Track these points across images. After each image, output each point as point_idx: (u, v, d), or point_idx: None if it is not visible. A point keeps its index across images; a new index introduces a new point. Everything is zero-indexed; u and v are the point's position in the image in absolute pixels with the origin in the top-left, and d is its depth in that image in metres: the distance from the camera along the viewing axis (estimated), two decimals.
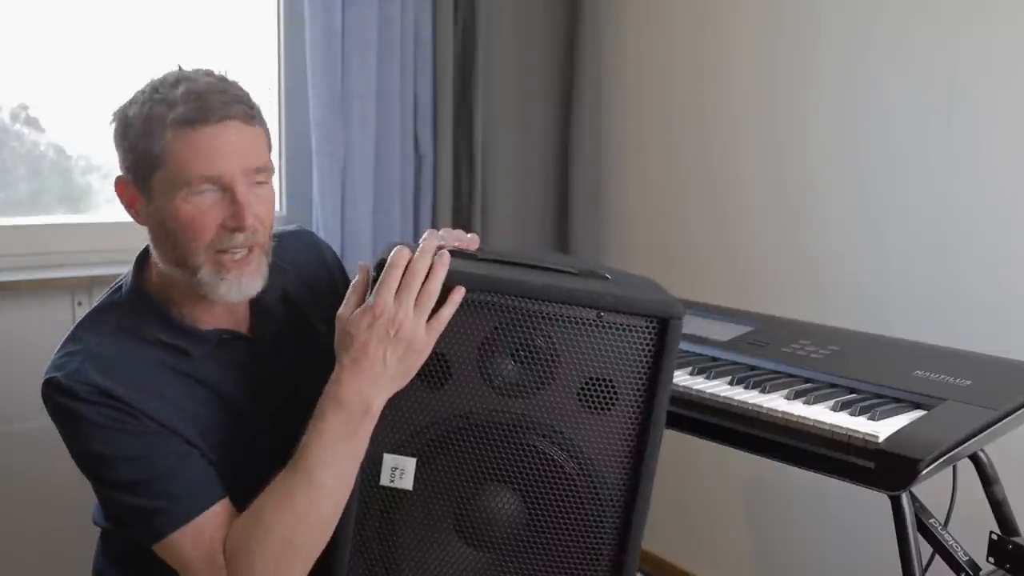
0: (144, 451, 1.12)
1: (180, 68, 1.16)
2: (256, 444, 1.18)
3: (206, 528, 1.10)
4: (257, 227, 1.15)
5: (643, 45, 2.63)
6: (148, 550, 1.16)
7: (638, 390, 1.13)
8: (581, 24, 2.62)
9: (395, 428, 1.11)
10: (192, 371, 1.19)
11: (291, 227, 1.45)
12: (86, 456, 1.13)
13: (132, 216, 1.20)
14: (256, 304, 1.26)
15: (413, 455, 1.12)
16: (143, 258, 1.24)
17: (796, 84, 2.22)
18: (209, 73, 1.16)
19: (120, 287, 1.24)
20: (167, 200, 1.12)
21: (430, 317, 1.07)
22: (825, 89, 2.15)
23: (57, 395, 1.12)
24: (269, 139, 1.21)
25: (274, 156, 1.24)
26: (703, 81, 2.46)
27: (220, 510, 1.12)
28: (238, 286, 1.15)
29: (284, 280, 1.31)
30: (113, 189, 1.20)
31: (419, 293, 1.06)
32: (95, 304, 1.24)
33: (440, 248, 1.13)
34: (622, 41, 2.67)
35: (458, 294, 1.07)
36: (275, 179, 1.24)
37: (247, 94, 1.17)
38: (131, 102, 1.15)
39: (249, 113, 1.14)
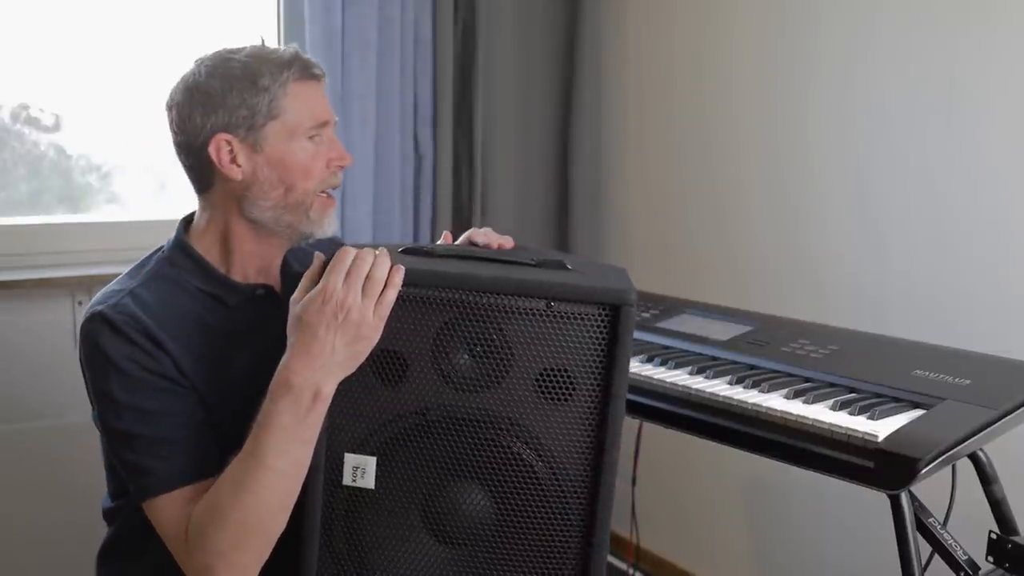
0: (155, 406, 1.16)
1: (263, 39, 1.33)
2: None
3: (186, 501, 1.13)
4: None
5: (643, 45, 2.63)
6: (147, 542, 1.19)
7: (595, 379, 1.12)
8: (581, 24, 2.62)
9: (353, 427, 1.12)
10: (226, 321, 1.26)
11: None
12: (102, 397, 1.18)
13: (227, 173, 1.24)
14: (285, 269, 1.35)
15: (373, 454, 1.12)
16: (188, 220, 1.33)
17: (796, 84, 2.22)
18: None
19: (161, 248, 1.32)
20: (282, 147, 1.24)
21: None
22: (825, 89, 2.15)
23: (97, 329, 1.17)
24: None
25: None
26: (703, 81, 2.46)
27: (204, 487, 1.14)
28: (332, 220, 1.32)
29: (307, 259, 1.36)
30: (210, 153, 1.23)
31: (366, 280, 1.08)
32: (139, 260, 1.31)
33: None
34: (622, 41, 2.67)
35: (398, 275, 1.09)
36: None
37: None
38: (221, 67, 1.23)
39: None
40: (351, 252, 1.10)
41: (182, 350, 1.19)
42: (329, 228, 1.31)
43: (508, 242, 1.38)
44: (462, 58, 2.52)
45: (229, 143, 1.23)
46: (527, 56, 2.63)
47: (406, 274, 1.09)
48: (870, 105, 2.05)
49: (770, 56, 2.28)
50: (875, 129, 2.04)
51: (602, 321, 1.11)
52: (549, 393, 1.12)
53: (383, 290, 1.08)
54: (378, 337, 1.08)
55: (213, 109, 1.22)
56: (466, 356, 1.11)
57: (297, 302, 1.10)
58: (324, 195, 1.30)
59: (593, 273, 1.21)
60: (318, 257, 1.15)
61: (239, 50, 1.25)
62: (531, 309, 1.10)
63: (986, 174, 1.85)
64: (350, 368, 1.09)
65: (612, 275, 1.23)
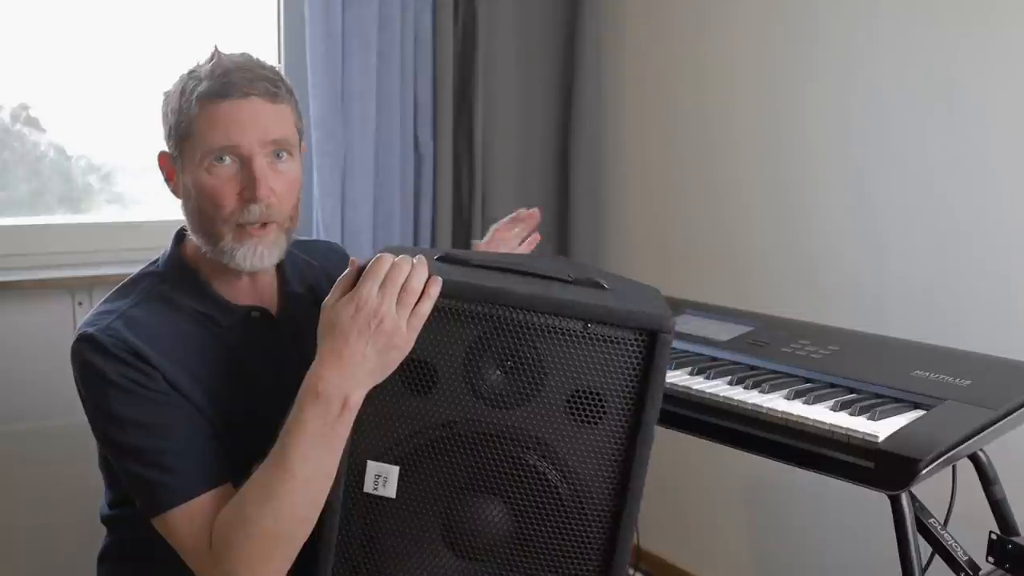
0: (158, 419, 1.14)
1: (216, 49, 1.22)
2: (269, 421, 1.19)
3: (203, 511, 1.11)
4: (271, 201, 1.19)
5: (643, 45, 2.63)
6: (149, 546, 1.17)
7: (627, 404, 1.10)
8: (581, 24, 2.62)
9: (379, 435, 1.10)
10: (219, 342, 1.23)
11: (322, 239, 1.61)
12: (102, 416, 1.15)
13: (171, 189, 1.26)
14: (283, 289, 1.32)
15: (397, 463, 1.10)
16: (183, 232, 1.29)
17: (796, 84, 2.22)
18: (241, 55, 1.22)
19: (157, 260, 1.29)
20: (193, 170, 1.19)
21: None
22: (824, 89, 2.15)
23: (87, 350, 1.15)
24: (298, 119, 1.26)
25: None
26: (703, 81, 2.46)
27: (220, 495, 1.13)
28: (254, 254, 1.20)
29: (312, 275, 1.37)
30: (157, 165, 1.27)
31: (401, 290, 1.06)
32: (133, 274, 1.28)
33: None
34: (622, 41, 2.67)
35: (435, 287, 1.07)
36: None
37: (276, 76, 1.22)
38: (176, 81, 1.22)
39: (272, 91, 1.19)
40: (388, 259, 1.08)
41: (175, 368, 1.16)
42: (248, 262, 1.20)
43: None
44: (462, 58, 2.52)
45: (165, 158, 1.24)
46: (527, 56, 2.63)
47: (442, 285, 1.07)
48: (870, 105, 2.05)
49: (770, 56, 2.28)
50: (875, 129, 2.04)
51: (638, 346, 1.09)
52: (579, 415, 1.10)
53: (418, 301, 1.06)
54: (410, 347, 1.07)
55: (161, 120, 1.23)
56: (497, 371, 1.10)
57: (329, 307, 1.08)
58: (247, 226, 1.19)
59: (628, 293, 1.20)
60: (353, 262, 1.12)
61: (200, 61, 1.21)
62: (567, 329, 1.08)
63: (986, 174, 1.85)
64: (380, 377, 1.07)
65: (647, 296, 1.21)
